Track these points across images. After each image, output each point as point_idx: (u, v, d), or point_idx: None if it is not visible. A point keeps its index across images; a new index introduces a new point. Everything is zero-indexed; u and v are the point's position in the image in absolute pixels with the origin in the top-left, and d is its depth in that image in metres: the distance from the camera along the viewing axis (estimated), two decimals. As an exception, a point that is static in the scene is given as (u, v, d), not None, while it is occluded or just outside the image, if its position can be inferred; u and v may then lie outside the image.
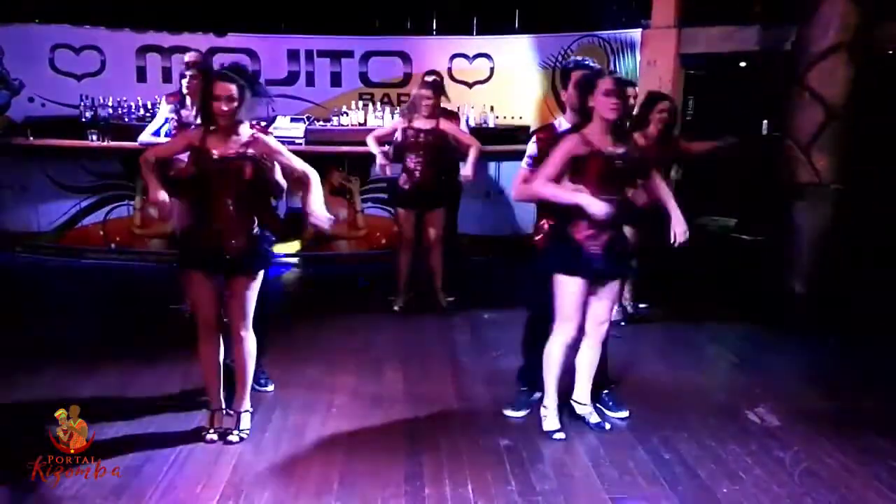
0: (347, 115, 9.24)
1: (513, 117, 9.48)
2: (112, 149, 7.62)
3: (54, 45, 9.14)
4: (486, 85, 9.81)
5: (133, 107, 8.75)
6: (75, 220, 7.92)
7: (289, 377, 4.91)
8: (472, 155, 6.16)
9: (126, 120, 8.52)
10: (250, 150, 3.89)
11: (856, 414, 4.56)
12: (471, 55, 9.83)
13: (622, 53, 9.29)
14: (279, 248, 5.24)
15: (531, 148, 4.33)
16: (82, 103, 8.64)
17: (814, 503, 3.56)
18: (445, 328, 6.07)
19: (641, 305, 6.36)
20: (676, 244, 4.14)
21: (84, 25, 9.29)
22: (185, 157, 4.12)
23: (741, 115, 10.02)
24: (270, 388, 4.72)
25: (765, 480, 3.76)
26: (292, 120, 8.31)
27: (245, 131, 3.94)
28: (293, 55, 9.66)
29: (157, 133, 6.04)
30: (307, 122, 8.42)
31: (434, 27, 10.43)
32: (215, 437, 4.05)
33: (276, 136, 4.57)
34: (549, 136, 4.22)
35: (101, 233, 7.92)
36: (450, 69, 9.65)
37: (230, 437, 4.05)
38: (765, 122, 9.84)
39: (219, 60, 8.94)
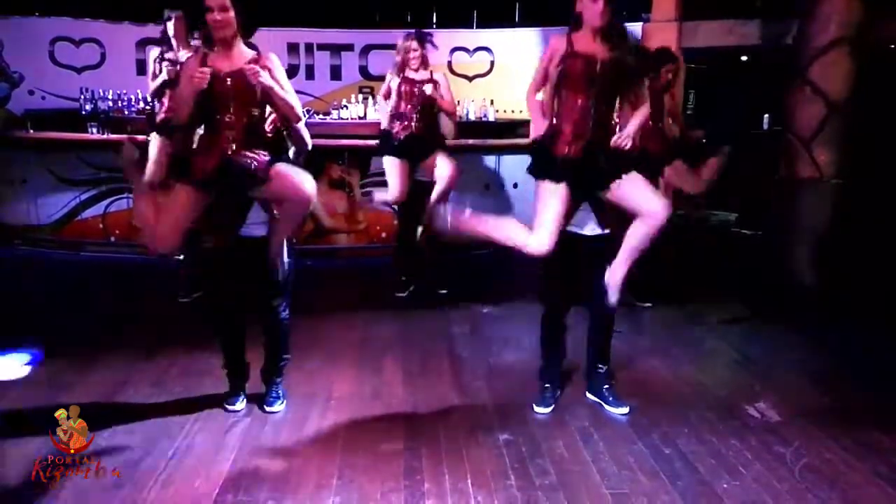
0: (347, 108, 9.23)
1: (513, 111, 9.46)
2: (112, 141, 7.61)
3: (54, 37, 9.12)
4: (486, 78, 9.80)
5: (133, 100, 8.72)
6: (75, 212, 7.91)
7: (287, 370, 4.90)
8: (450, 124, 6.26)
9: (126, 113, 8.51)
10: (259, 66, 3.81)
11: (857, 409, 4.55)
12: (471, 49, 9.81)
13: (623, 47, 9.26)
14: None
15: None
16: (82, 96, 8.62)
17: (814, 498, 3.56)
18: (445, 322, 6.06)
19: (646, 304, 6.36)
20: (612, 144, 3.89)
21: (84, 18, 9.26)
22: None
23: (742, 109, 10.03)
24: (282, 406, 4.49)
25: (765, 476, 3.75)
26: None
27: (247, 50, 3.87)
28: (293, 48, 9.64)
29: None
30: (307, 116, 8.37)
31: (434, 20, 10.41)
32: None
33: None
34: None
35: (101, 226, 7.91)
36: (450, 63, 9.64)
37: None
38: (766, 116, 9.84)
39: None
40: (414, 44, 6.20)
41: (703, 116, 10.28)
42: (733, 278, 7.28)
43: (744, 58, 9.94)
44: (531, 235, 3.99)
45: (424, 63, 6.24)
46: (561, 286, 4.37)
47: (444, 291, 6.61)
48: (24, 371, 3.88)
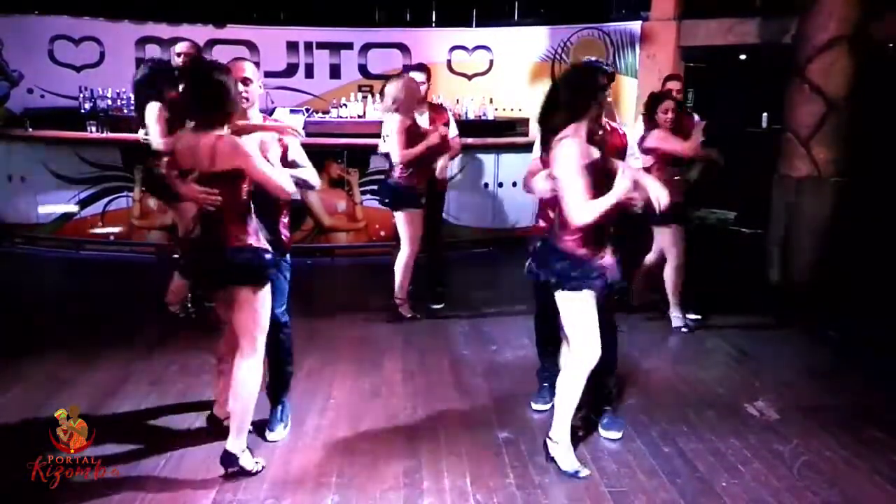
0: (346, 106, 9.24)
1: (512, 109, 9.47)
2: (111, 140, 7.61)
3: (54, 36, 9.13)
4: (485, 77, 9.81)
5: (132, 98, 8.71)
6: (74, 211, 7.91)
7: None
8: (447, 157, 6.11)
9: (125, 111, 8.49)
10: None
11: (855, 407, 4.55)
12: (470, 47, 9.82)
13: (622, 46, 9.27)
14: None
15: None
16: (81, 94, 8.63)
17: (813, 497, 3.56)
18: (444, 321, 6.06)
19: (691, 317, 6.08)
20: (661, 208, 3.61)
21: (83, 17, 9.27)
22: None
23: (741, 107, 10.03)
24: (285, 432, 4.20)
25: (764, 474, 3.76)
26: (291, 112, 8.28)
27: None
28: (292, 47, 9.65)
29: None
30: (306, 114, 8.40)
31: (433, 19, 10.41)
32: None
33: None
34: None
35: (100, 224, 7.90)
36: (449, 61, 9.65)
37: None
38: (764, 114, 9.85)
39: (218, 52, 9.00)
40: (422, 76, 5.92)
41: (702, 115, 10.28)
42: (732, 276, 7.27)
43: (743, 56, 9.94)
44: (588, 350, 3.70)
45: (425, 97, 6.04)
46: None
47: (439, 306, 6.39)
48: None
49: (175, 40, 8.68)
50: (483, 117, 9.35)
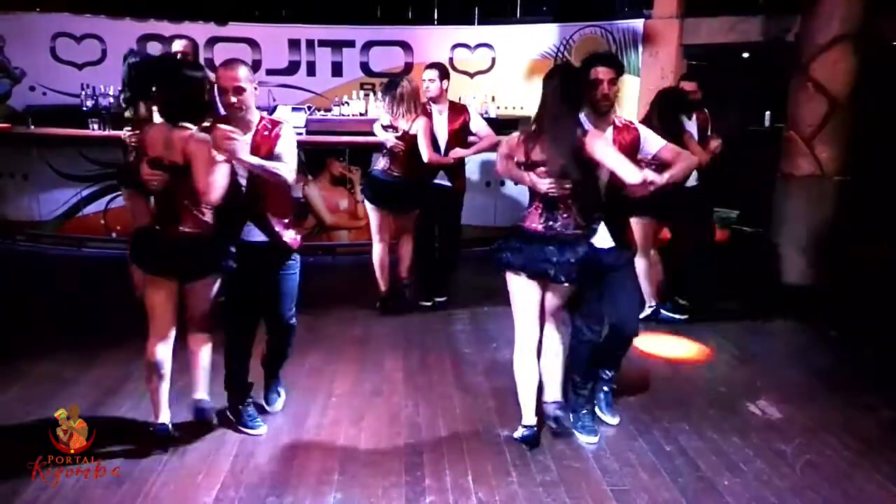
0: (348, 104, 9.22)
1: (514, 107, 9.45)
2: (113, 138, 7.58)
3: (55, 33, 9.12)
4: (487, 75, 9.80)
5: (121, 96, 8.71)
6: (76, 208, 7.90)
7: (289, 367, 4.91)
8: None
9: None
10: None
11: (857, 406, 4.55)
12: (472, 45, 9.81)
13: (624, 44, 9.26)
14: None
15: None
16: (83, 92, 8.60)
17: (815, 496, 3.56)
18: (446, 319, 6.06)
19: (670, 314, 6.13)
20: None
21: (85, 14, 9.27)
22: None
23: (743, 106, 10.00)
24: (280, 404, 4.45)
25: (766, 473, 3.76)
26: (293, 110, 8.29)
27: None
28: (294, 44, 9.65)
29: None
30: (308, 112, 8.39)
31: (435, 17, 10.40)
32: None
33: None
34: None
35: (102, 222, 7.90)
36: (451, 59, 9.63)
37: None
38: (767, 113, 9.82)
39: (220, 50, 9.00)
40: (431, 72, 6.00)
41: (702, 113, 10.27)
42: (734, 275, 7.26)
43: (745, 55, 9.91)
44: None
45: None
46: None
47: (429, 304, 6.38)
48: None
49: (176, 38, 8.72)
50: (485, 115, 9.31)
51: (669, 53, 8.94)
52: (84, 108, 8.37)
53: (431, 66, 6.12)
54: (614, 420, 4.28)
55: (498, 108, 9.46)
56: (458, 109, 6.23)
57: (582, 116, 3.79)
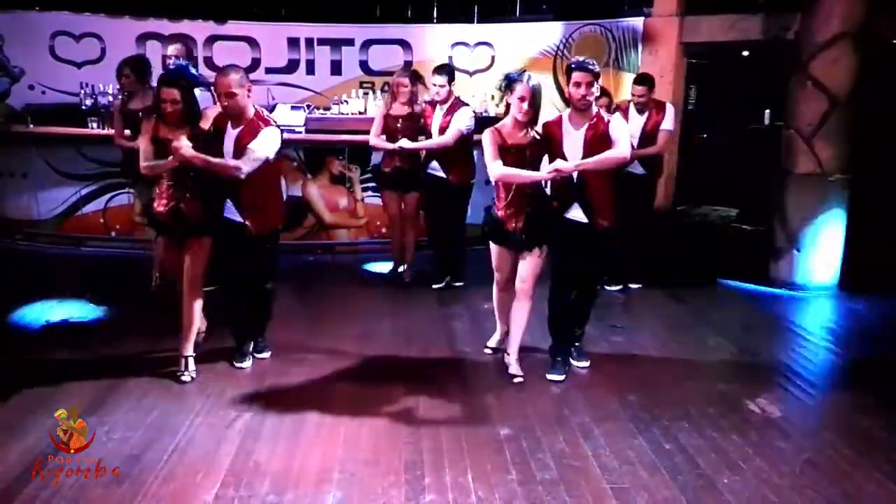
0: (348, 103, 9.18)
1: (514, 107, 9.42)
2: (112, 136, 7.58)
3: (54, 32, 9.08)
4: (486, 73, 9.77)
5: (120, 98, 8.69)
6: (75, 207, 7.89)
7: (289, 365, 4.92)
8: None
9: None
10: None
11: (858, 405, 4.55)
12: (472, 43, 9.77)
13: (624, 42, 9.24)
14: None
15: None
16: (82, 91, 8.58)
17: (815, 494, 3.56)
18: (446, 317, 6.06)
19: (634, 286, 6.73)
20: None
21: (84, 13, 9.23)
22: None
23: (743, 104, 10.00)
24: (267, 354, 5.08)
25: (766, 471, 3.76)
26: (292, 108, 8.27)
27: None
28: (293, 43, 9.60)
29: None
30: (307, 111, 8.37)
31: (435, 15, 10.38)
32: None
33: (277, 125, 4.66)
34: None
35: (102, 221, 7.89)
36: (451, 57, 9.60)
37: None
38: (767, 111, 9.82)
39: (219, 48, 9.00)
40: (440, 78, 6.35)
41: (705, 112, 10.27)
42: (734, 273, 7.26)
43: (745, 53, 9.91)
44: None
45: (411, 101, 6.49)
46: (568, 269, 4.81)
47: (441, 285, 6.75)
48: None
49: (176, 37, 8.72)
50: (485, 114, 9.31)
51: (669, 52, 8.93)
52: (83, 107, 8.35)
53: (440, 70, 6.38)
54: (585, 363, 5.05)
55: (497, 106, 9.43)
56: (454, 106, 6.44)
57: (565, 114, 4.63)
